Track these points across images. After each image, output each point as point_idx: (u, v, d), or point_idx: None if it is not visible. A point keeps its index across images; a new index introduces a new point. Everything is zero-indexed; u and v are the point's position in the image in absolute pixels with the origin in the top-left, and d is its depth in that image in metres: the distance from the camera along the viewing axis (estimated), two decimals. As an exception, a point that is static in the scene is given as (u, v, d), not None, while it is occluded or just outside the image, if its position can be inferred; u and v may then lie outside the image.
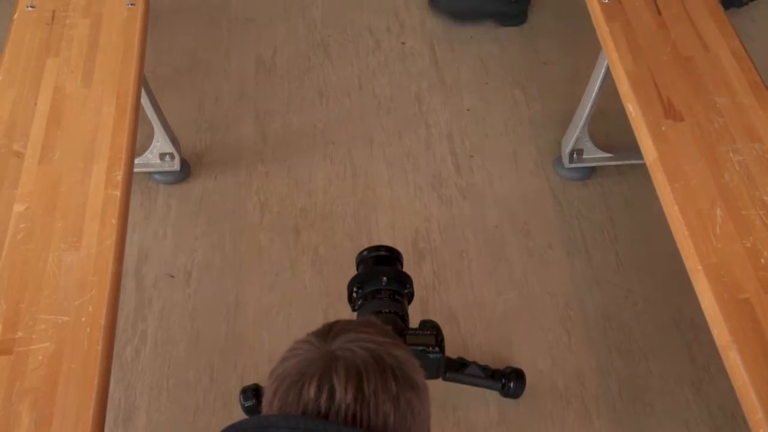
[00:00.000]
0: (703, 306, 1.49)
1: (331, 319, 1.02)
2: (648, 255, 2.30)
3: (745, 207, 1.59)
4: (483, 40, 2.88)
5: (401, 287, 1.70)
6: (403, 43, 2.88)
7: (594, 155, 2.44)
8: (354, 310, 1.71)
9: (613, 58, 1.95)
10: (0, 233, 1.54)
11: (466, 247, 2.31)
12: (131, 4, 2.02)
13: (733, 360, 1.39)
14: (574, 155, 2.43)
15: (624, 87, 1.88)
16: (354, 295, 1.71)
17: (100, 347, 1.38)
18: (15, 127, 1.72)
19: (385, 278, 1.69)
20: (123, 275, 1.59)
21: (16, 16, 1.97)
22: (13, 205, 1.58)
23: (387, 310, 1.64)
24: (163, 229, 2.34)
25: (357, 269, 1.77)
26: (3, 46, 1.92)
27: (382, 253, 1.77)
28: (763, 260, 1.51)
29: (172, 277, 2.24)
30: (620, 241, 2.34)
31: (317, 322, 1.01)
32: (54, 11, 1.98)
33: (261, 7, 2.99)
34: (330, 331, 0.98)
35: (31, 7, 1.99)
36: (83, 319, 1.42)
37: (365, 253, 1.77)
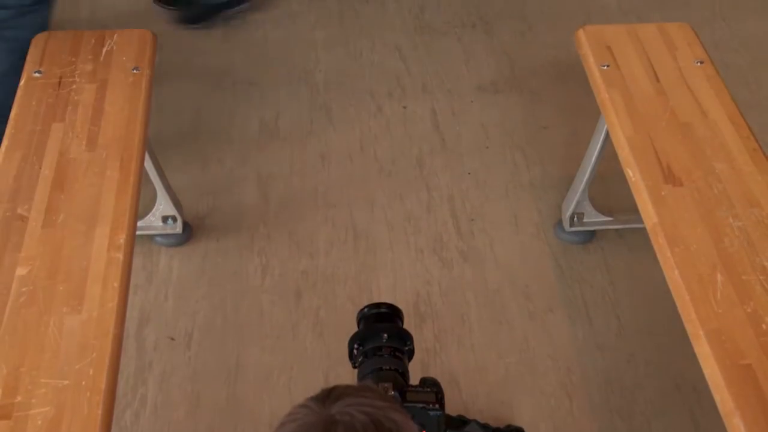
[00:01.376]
0: (705, 372, 1.49)
1: (333, 382, 1.02)
2: (650, 319, 2.29)
3: (745, 272, 1.60)
4: (483, 105, 2.91)
5: (402, 344, 1.70)
6: (404, 107, 2.91)
7: (594, 219, 2.45)
8: (354, 366, 1.71)
9: (612, 124, 1.97)
10: (2, 297, 1.54)
11: (467, 311, 2.31)
12: (136, 70, 2.05)
13: (737, 426, 1.38)
14: (575, 219, 2.44)
15: (624, 152, 1.90)
16: (355, 352, 1.71)
17: (99, 411, 1.38)
18: (20, 191, 1.74)
19: (385, 335, 1.69)
20: (124, 338, 1.59)
21: (23, 81, 2.00)
22: (16, 269, 1.59)
23: (387, 367, 1.64)
24: (165, 292, 2.34)
25: (358, 326, 1.77)
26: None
27: (383, 310, 1.77)
28: (764, 326, 1.51)
29: (172, 339, 2.23)
30: (621, 304, 2.34)
31: (318, 386, 1.01)
32: (61, 77, 2.01)
33: (264, 72, 3.03)
34: (329, 395, 0.98)
35: (39, 73, 2.01)
36: (83, 383, 1.41)
37: (366, 310, 1.77)
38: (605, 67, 2.09)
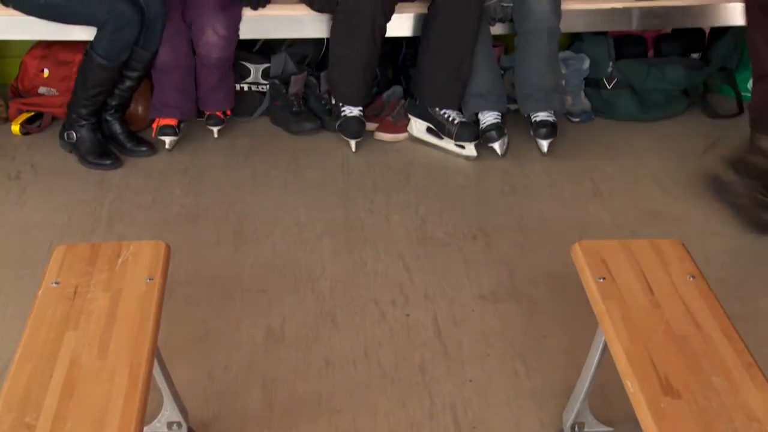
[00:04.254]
0: None
1: None
2: None
3: (749, 488, 1.60)
4: (484, 313, 2.98)
5: None
6: (407, 315, 2.97)
7: (595, 429, 2.45)
8: None
9: (609, 336, 2.02)
10: None
11: None
12: (150, 279, 2.13)
13: None
14: (576, 429, 2.44)
15: (621, 363, 1.94)
16: None
17: None
18: (29, 401, 1.76)
19: None
20: None
21: (40, 291, 2.07)
22: (18, 483, 1.60)
23: None
24: (165, 501, 2.32)
25: None
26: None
27: None
28: None
29: None
30: None
31: None
32: (77, 287, 2.08)
33: (272, 280, 3.12)
34: None
35: (56, 283, 2.09)
36: None
37: None
38: (601, 280, 2.16)
